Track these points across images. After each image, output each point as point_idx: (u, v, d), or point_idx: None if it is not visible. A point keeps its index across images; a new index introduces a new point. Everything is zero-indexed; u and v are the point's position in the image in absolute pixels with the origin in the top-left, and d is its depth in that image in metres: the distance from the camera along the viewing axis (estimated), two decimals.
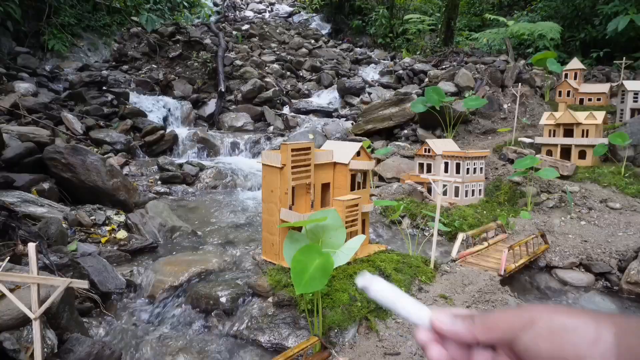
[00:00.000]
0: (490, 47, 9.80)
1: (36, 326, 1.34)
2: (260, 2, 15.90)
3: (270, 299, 2.23)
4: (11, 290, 1.72)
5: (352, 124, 6.60)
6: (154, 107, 6.72)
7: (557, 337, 0.38)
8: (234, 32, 10.60)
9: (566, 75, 6.13)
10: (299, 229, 2.12)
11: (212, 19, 12.19)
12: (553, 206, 3.86)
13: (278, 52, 9.86)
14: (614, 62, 6.94)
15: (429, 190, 4.00)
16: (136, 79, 7.53)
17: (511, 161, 4.58)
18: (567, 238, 3.39)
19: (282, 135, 6.41)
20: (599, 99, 5.86)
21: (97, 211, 3.32)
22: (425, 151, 4.05)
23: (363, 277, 0.49)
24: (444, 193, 3.74)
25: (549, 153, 4.57)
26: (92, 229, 3.10)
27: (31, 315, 1.33)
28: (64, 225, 2.88)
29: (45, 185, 3.33)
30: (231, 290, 2.34)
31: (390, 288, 0.48)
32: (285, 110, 7.62)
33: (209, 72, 8.01)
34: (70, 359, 1.76)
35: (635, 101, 5.16)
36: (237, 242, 3.25)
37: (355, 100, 7.83)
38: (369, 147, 5.38)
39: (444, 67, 8.46)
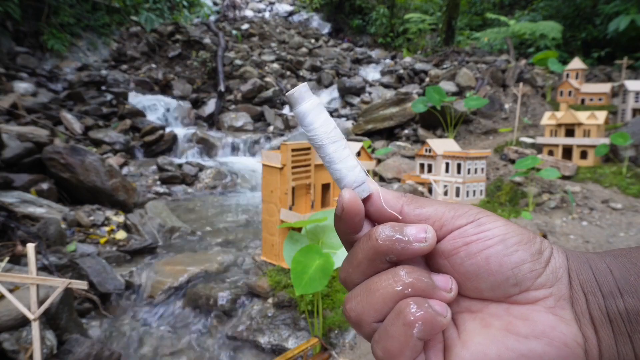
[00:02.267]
0: (492, 46, 9.78)
1: (35, 327, 1.33)
2: (260, 1, 15.87)
3: (270, 300, 2.22)
4: (10, 291, 1.71)
5: (352, 123, 6.58)
6: (153, 107, 6.71)
7: (497, 239, 0.31)
8: (234, 32, 10.59)
9: (567, 75, 6.11)
10: (299, 229, 2.11)
11: (212, 18, 12.18)
12: (554, 207, 3.84)
13: (278, 52, 9.85)
14: (615, 62, 6.93)
15: (430, 191, 3.99)
16: (135, 79, 7.52)
17: (512, 161, 4.57)
18: (569, 239, 3.38)
19: (282, 135, 6.40)
20: (600, 99, 5.84)
21: (96, 211, 3.31)
22: (426, 151, 4.03)
23: (300, 88, 0.33)
24: (445, 193, 3.73)
25: (551, 153, 4.56)
26: (91, 230, 3.09)
27: (30, 316, 1.32)
28: (62, 225, 2.87)
29: (44, 186, 3.32)
30: (231, 291, 2.33)
31: (328, 116, 0.34)
32: (285, 110, 7.61)
33: (209, 71, 8.00)
34: None
35: (637, 101, 5.15)
36: (237, 243, 3.23)
37: (356, 100, 7.82)
38: (369, 147, 5.36)
39: (444, 66, 8.45)
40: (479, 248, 0.31)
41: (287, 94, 0.34)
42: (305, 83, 0.34)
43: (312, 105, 0.33)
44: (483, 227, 0.32)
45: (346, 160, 0.34)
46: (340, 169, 0.34)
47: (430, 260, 0.34)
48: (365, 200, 0.34)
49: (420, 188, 4.07)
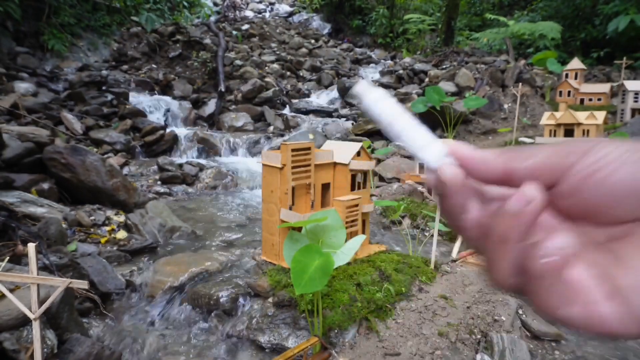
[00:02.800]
0: (491, 47, 9.79)
1: (36, 326, 1.33)
2: (260, 2, 15.89)
3: (270, 300, 2.23)
4: (11, 291, 1.72)
5: (352, 124, 6.59)
6: (154, 107, 6.72)
7: (618, 162, 0.29)
8: (234, 32, 10.60)
9: (567, 75, 6.12)
10: (299, 229, 2.12)
11: (212, 18, 12.19)
12: None
13: (278, 52, 9.86)
14: (615, 62, 6.94)
15: (430, 191, 4.00)
16: (136, 79, 7.53)
17: None
18: None
19: (282, 135, 6.40)
20: (599, 99, 5.85)
21: (96, 211, 3.32)
22: None
23: (361, 84, 0.37)
24: None
25: None
26: (92, 229, 3.10)
27: (31, 316, 1.33)
28: (63, 225, 2.87)
29: (45, 186, 3.33)
30: (231, 290, 2.34)
31: (394, 103, 0.36)
32: (286, 110, 7.62)
33: (209, 72, 8.01)
34: (70, 359, 1.76)
35: (636, 101, 5.16)
36: (237, 243, 3.24)
37: (356, 100, 7.83)
38: (369, 147, 5.37)
39: (444, 67, 8.46)
40: (602, 176, 0.30)
41: (353, 89, 0.39)
42: (369, 79, 0.35)
43: (377, 97, 0.36)
44: (599, 155, 0.30)
45: (421, 141, 0.34)
46: (418, 151, 0.35)
47: (558, 206, 0.32)
48: (464, 167, 0.33)
49: (420, 188, 4.07)
